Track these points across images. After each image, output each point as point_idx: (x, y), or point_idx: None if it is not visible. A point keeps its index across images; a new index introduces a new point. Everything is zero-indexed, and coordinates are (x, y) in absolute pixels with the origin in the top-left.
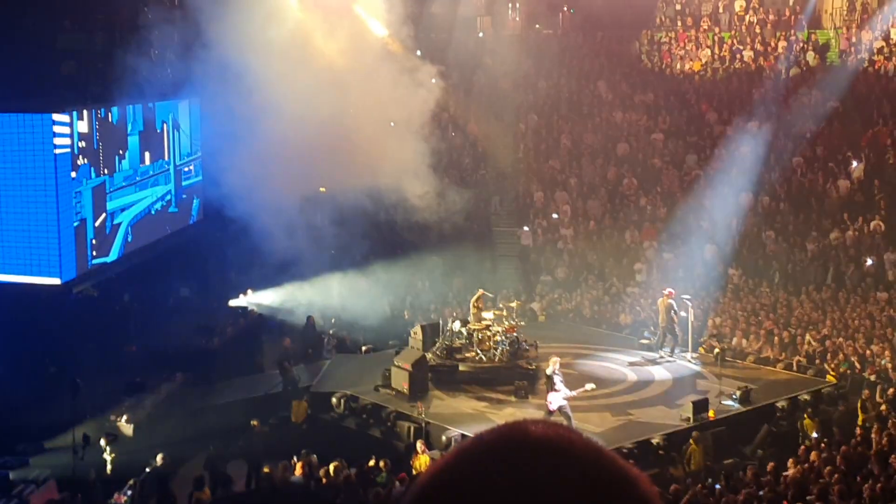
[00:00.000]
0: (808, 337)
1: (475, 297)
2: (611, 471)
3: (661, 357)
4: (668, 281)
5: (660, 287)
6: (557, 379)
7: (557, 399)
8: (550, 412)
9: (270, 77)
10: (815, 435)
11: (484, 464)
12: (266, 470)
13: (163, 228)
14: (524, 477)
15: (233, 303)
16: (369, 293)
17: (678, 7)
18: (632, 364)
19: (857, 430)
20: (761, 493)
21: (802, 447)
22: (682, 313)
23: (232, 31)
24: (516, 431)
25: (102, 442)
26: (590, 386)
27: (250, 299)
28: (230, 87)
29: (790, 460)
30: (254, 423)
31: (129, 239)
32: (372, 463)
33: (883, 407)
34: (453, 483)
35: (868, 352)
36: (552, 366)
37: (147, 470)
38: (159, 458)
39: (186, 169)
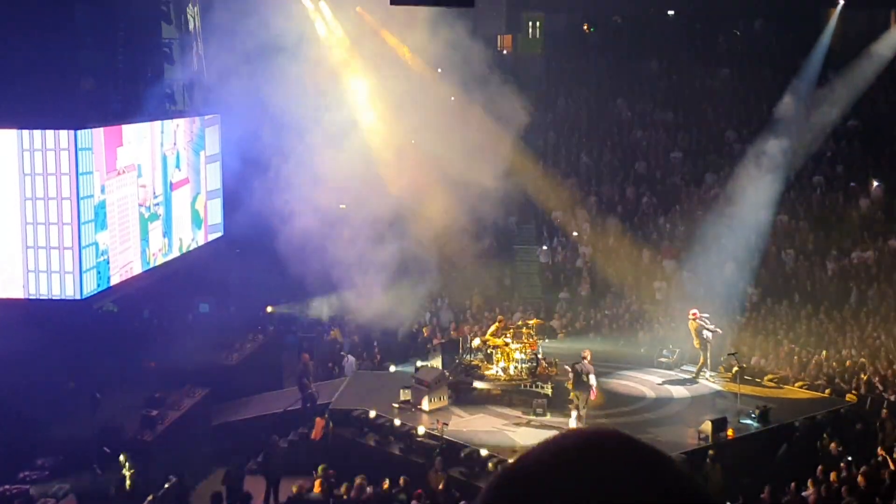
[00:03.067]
0: (827, 356)
1: (495, 325)
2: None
3: (702, 377)
4: (687, 300)
5: (679, 305)
6: (593, 378)
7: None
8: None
9: (292, 96)
10: (834, 455)
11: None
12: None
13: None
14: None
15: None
16: (390, 309)
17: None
18: (684, 382)
19: (878, 451)
20: None
21: (821, 467)
22: (704, 333)
23: (256, 47)
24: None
25: (122, 458)
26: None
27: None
28: (253, 104)
29: (809, 481)
30: (272, 438)
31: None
32: (386, 485)
33: None
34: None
35: (889, 372)
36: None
37: (166, 486)
38: (171, 480)
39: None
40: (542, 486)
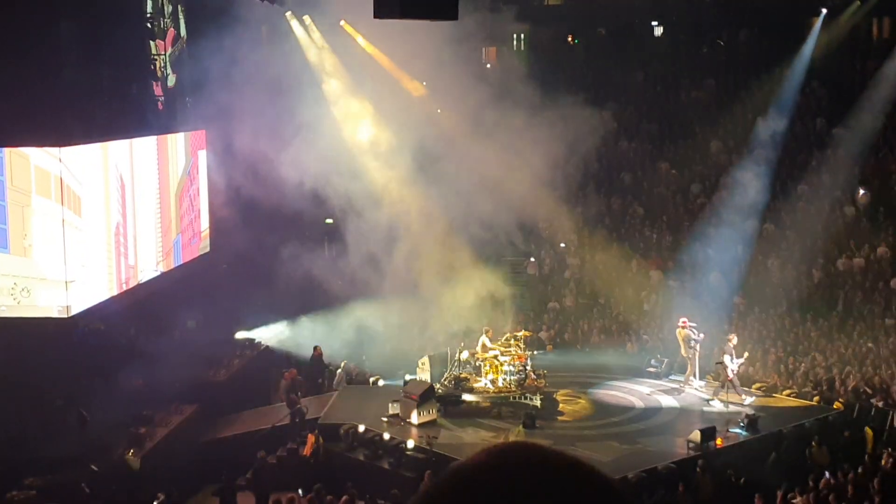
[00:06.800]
0: (814, 364)
1: (483, 336)
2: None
3: (688, 386)
4: (674, 309)
5: (666, 315)
6: (727, 359)
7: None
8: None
9: (278, 109)
10: (822, 462)
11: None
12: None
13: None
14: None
15: (240, 335)
16: (377, 324)
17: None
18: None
19: (866, 458)
20: None
21: (812, 475)
22: (692, 342)
23: (242, 64)
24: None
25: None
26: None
27: (259, 332)
28: (240, 120)
29: (797, 489)
30: (261, 454)
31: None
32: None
33: None
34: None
35: (876, 378)
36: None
37: (154, 503)
38: (160, 498)
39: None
40: (464, 498)
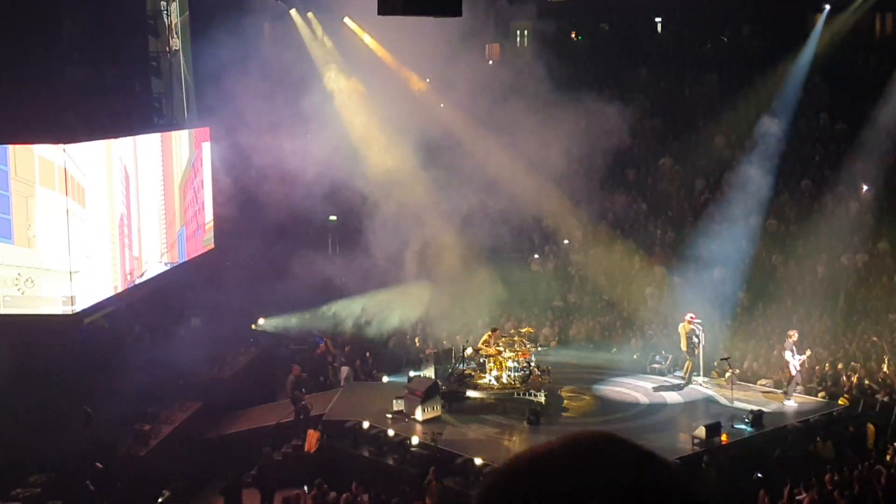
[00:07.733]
0: (819, 359)
1: (487, 335)
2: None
3: (689, 383)
4: (678, 305)
5: (670, 311)
6: (788, 355)
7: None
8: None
9: (282, 108)
10: (827, 458)
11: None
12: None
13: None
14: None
15: (256, 325)
16: (382, 319)
17: None
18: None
19: (871, 453)
20: None
21: (816, 471)
22: (694, 338)
23: (246, 61)
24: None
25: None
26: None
27: (264, 325)
28: (244, 116)
29: (801, 485)
30: (266, 450)
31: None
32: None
33: None
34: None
35: (881, 374)
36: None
37: (160, 500)
38: (165, 495)
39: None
40: (536, 484)
